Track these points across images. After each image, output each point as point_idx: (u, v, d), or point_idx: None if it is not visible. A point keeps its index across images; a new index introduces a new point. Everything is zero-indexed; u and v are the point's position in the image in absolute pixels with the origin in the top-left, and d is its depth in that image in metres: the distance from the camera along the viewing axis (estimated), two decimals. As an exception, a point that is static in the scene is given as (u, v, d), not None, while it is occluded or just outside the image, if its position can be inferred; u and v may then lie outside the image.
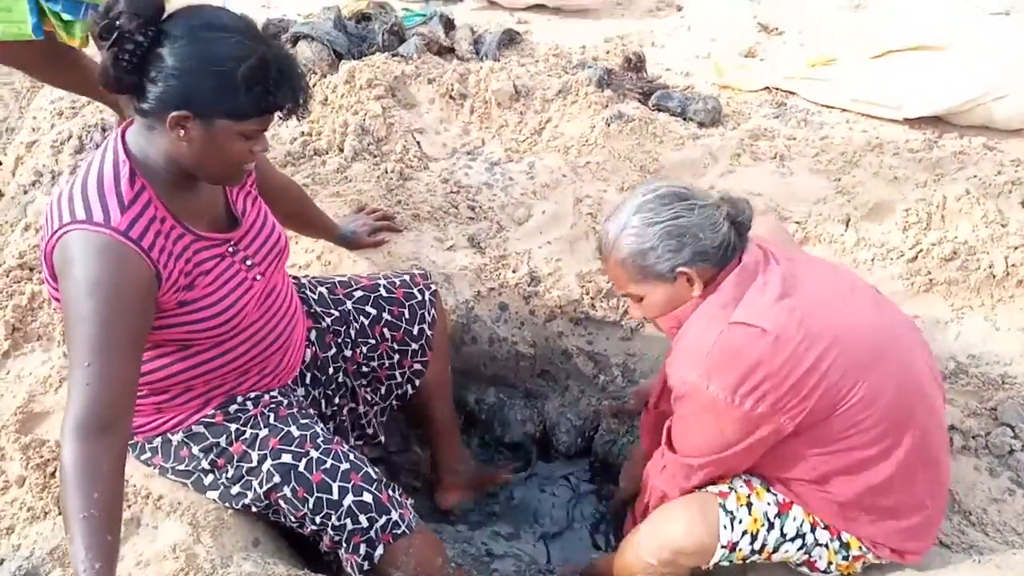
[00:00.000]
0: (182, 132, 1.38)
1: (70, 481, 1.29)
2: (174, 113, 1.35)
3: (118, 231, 1.38)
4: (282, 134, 3.03)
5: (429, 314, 2.03)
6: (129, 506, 1.73)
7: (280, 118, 1.46)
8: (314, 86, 3.23)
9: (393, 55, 3.33)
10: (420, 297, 2.03)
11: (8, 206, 2.91)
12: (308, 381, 1.87)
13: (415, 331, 2.01)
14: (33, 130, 3.21)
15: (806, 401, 1.49)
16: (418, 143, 3.02)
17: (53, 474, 1.81)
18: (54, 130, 3.10)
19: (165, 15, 1.37)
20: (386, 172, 2.84)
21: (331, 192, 2.72)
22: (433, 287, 2.08)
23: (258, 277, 1.64)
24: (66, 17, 2.21)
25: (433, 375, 2.10)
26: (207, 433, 1.69)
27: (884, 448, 1.53)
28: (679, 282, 1.58)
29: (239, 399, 1.70)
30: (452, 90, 3.18)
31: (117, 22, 1.31)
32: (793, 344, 1.47)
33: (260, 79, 1.36)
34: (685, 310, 1.60)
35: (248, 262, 1.63)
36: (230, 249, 1.60)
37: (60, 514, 1.56)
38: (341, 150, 2.92)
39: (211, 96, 1.35)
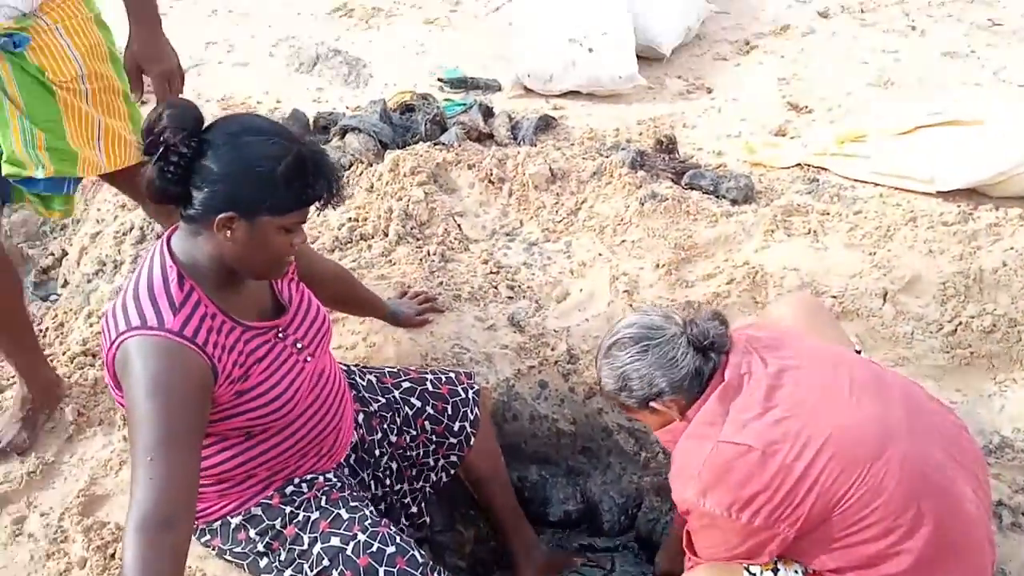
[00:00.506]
0: (228, 232, 1.47)
1: None
2: (221, 216, 1.44)
3: (172, 332, 1.46)
4: (331, 220, 3.17)
5: (472, 412, 2.11)
6: (184, 586, 1.79)
7: (317, 208, 1.56)
8: (360, 175, 3.39)
9: (435, 144, 3.49)
10: (464, 395, 2.11)
11: (73, 294, 3.08)
12: (355, 462, 1.93)
13: (456, 427, 2.08)
14: (97, 222, 3.41)
15: (800, 508, 1.54)
16: (459, 226, 3.13)
17: (113, 555, 1.88)
18: (117, 221, 3.29)
19: (204, 125, 1.49)
20: (428, 254, 2.95)
21: (377, 275, 2.84)
22: (477, 386, 2.16)
23: (308, 359, 1.72)
24: (45, 195, 2.10)
25: (486, 470, 2.18)
26: (264, 516, 1.75)
27: (894, 541, 1.53)
28: (656, 411, 1.70)
29: (295, 480, 1.77)
30: (491, 175, 3.31)
31: (162, 137, 1.41)
32: (781, 456, 1.53)
33: (298, 175, 1.46)
34: (674, 430, 1.70)
35: (298, 345, 1.71)
36: (280, 335, 1.68)
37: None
38: (386, 234, 3.05)
39: (254, 195, 1.45)
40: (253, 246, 1.50)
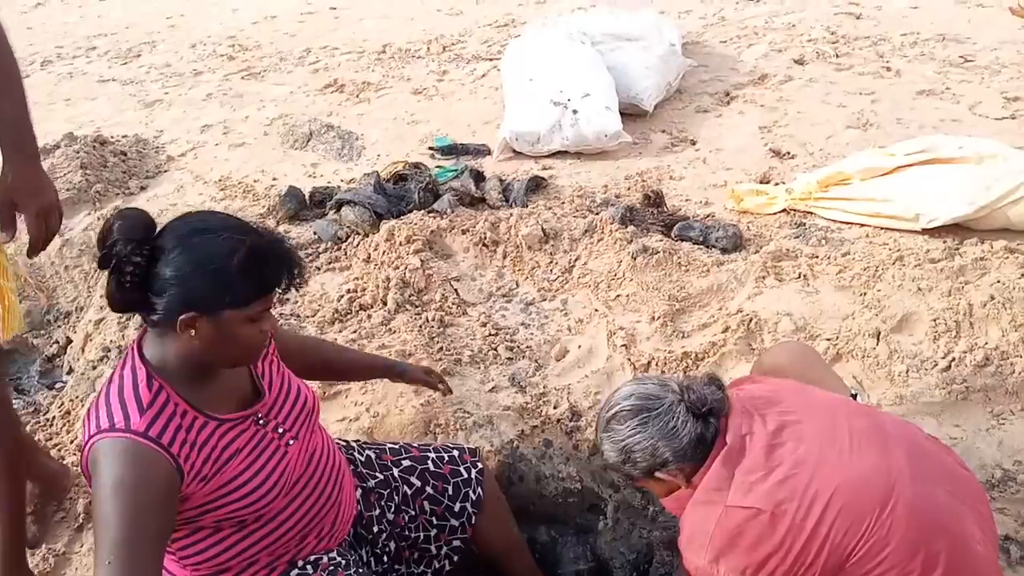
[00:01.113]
0: (192, 332, 1.45)
1: None
2: (182, 317, 1.43)
3: (137, 433, 1.45)
4: (330, 293, 3.23)
5: (474, 492, 2.06)
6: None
7: (280, 293, 1.55)
8: (357, 246, 3.47)
9: (429, 211, 3.57)
10: (466, 475, 2.06)
11: (79, 381, 3.12)
12: (353, 537, 1.90)
13: (456, 508, 2.04)
14: (101, 308, 3.47)
15: (814, 566, 1.54)
16: (456, 291, 3.19)
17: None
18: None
19: (156, 230, 1.48)
20: (427, 321, 3.00)
21: (377, 344, 2.88)
22: (480, 465, 2.10)
23: (291, 442, 1.68)
24: None
25: (500, 542, 2.14)
26: None
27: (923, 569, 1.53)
28: (661, 480, 1.70)
29: (299, 564, 1.76)
30: (485, 238, 3.38)
31: (114, 250, 1.41)
32: (790, 516, 1.54)
33: (254, 265, 1.45)
34: (681, 497, 1.70)
35: (279, 430, 1.67)
36: (260, 421, 1.65)
37: None
38: (385, 303, 3.10)
39: (212, 292, 1.44)
40: (221, 341, 1.49)
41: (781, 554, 1.55)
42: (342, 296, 3.18)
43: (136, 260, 1.42)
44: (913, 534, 1.54)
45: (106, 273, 1.44)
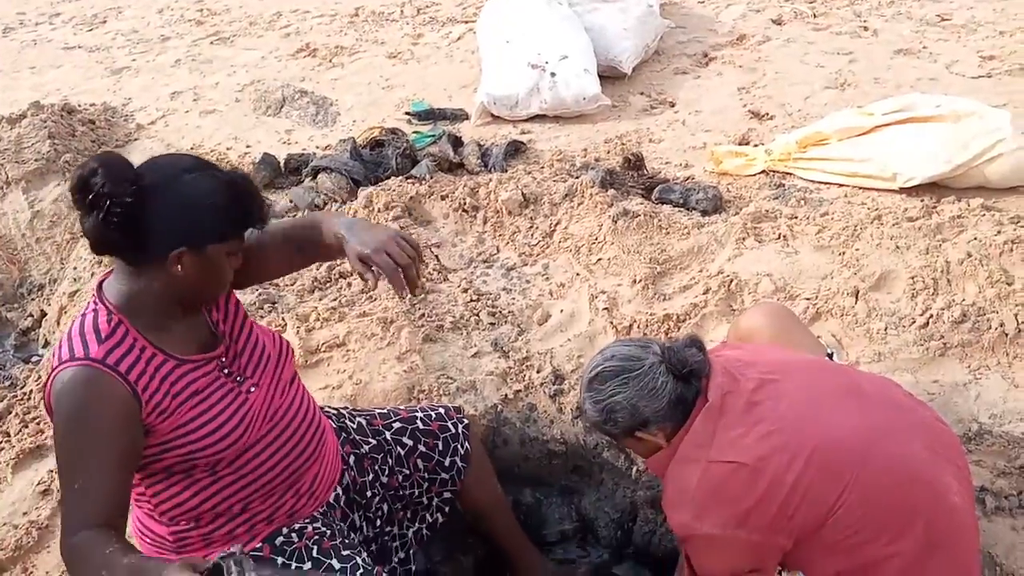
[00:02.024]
0: (179, 267, 1.49)
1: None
2: (173, 252, 1.47)
3: (95, 360, 1.46)
4: (308, 261, 3.20)
5: (462, 447, 2.11)
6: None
7: (256, 228, 1.63)
8: (335, 213, 3.43)
9: (407, 177, 3.53)
10: (454, 430, 2.11)
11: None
12: (345, 504, 1.92)
13: (447, 462, 2.08)
14: (74, 280, 3.42)
15: (795, 519, 1.57)
16: (436, 257, 3.17)
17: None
18: (95, 279, 3.29)
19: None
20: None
21: (358, 313, 2.86)
22: (466, 420, 2.16)
23: (252, 389, 1.67)
24: None
25: (484, 500, 2.18)
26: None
27: (888, 540, 1.56)
28: (641, 440, 1.71)
29: (284, 531, 1.76)
30: (464, 204, 3.35)
31: (102, 190, 1.42)
32: (771, 471, 1.56)
33: (236, 201, 1.54)
34: (662, 457, 1.71)
35: (238, 378, 1.67)
36: (220, 367, 1.65)
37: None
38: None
39: (205, 228, 1.50)
40: (204, 275, 1.54)
41: (763, 507, 1.57)
42: (321, 264, 3.15)
43: (126, 200, 1.43)
44: (894, 490, 1.57)
45: (89, 218, 1.45)
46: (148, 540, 1.71)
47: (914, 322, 2.48)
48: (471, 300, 2.93)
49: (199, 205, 1.49)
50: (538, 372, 2.66)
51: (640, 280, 2.87)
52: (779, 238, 2.96)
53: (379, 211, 3.28)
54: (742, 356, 1.79)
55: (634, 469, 2.54)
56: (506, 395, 2.63)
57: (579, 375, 2.63)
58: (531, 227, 3.26)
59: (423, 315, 2.83)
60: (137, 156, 4.19)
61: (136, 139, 4.47)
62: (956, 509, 1.62)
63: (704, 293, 2.76)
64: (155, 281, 1.52)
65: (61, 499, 1.45)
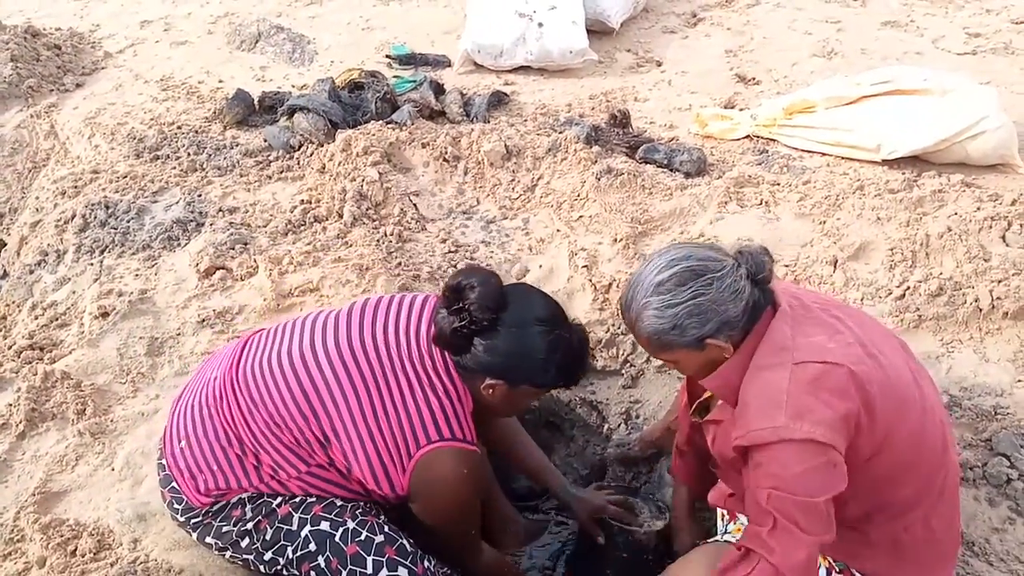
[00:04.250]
0: (491, 392, 1.69)
1: None
2: (490, 381, 1.66)
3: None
4: (282, 203, 3.11)
5: None
6: (151, 581, 1.76)
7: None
8: (311, 155, 3.33)
9: (387, 122, 3.44)
10: None
11: (15, 286, 2.97)
12: None
13: None
14: (36, 210, 3.29)
15: (877, 423, 1.47)
16: (415, 206, 3.11)
17: (74, 553, 1.83)
18: (57, 210, 3.18)
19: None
20: (385, 235, 2.92)
21: (333, 258, 2.80)
22: None
23: None
24: None
25: None
26: (265, 495, 1.74)
27: (913, 490, 1.55)
28: (709, 350, 1.54)
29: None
30: (446, 153, 3.28)
31: (468, 305, 1.61)
32: (863, 376, 1.46)
33: (569, 365, 1.71)
34: (730, 369, 1.54)
35: None
36: None
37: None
38: (340, 216, 3.00)
39: (527, 375, 1.68)
40: (506, 403, 1.73)
41: (865, 411, 1.44)
42: (295, 207, 3.07)
43: (483, 323, 1.62)
44: (933, 441, 1.54)
45: (447, 315, 1.63)
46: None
47: (891, 293, 2.50)
48: (449, 251, 2.88)
49: (534, 357, 1.66)
50: (514, 327, 2.64)
51: (621, 239, 2.84)
52: (761, 204, 2.95)
53: (357, 155, 3.19)
54: (783, 285, 1.68)
55: (605, 426, 2.54)
56: (481, 348, 2.61)
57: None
58: (513, 180, 3.20)
59: (400, 264, 2.77)
60: (104, 84, 4.07)
61: (104, 68, 4.29)
62: (957, 465, 1.64)
63: (684, 255, 2.74)
64: (470, 387, 1.72)
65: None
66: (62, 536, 1.87)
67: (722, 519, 1.84)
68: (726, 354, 1.54)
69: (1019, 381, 2.22)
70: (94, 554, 1.83)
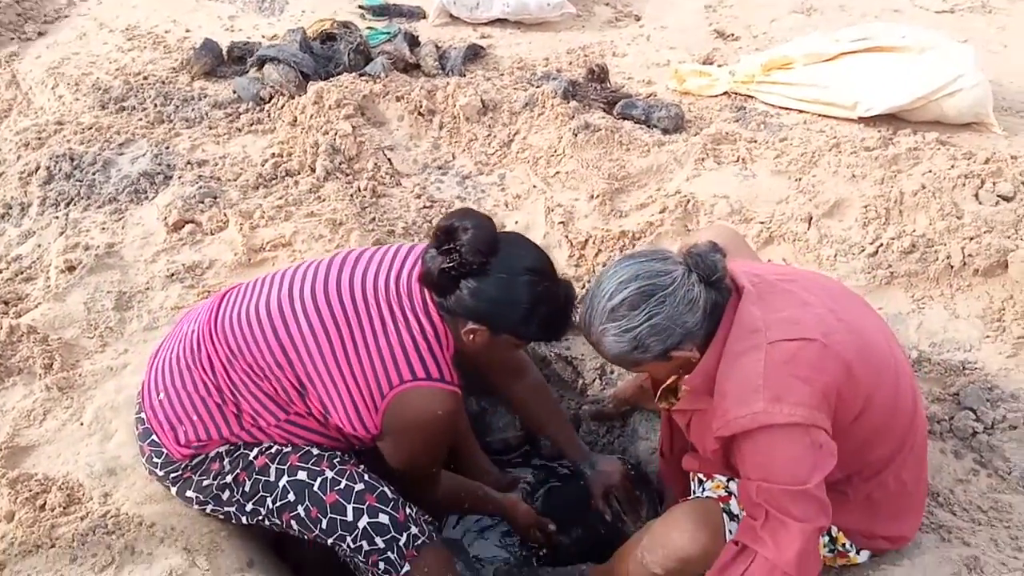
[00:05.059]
0: (472, 336, 1.65)
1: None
2: (472, 325, 1.63)
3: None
4: (253, 157, 3.05)
5: None
6: (123, 534, 1.75)
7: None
8: (282, 108, 3.26)
9: (360, 75, 3.37)
10: None
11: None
12: None
13: None
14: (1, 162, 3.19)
15: (858, 391, 1.46)
16: (389, 160, 3.06)
17: (43, 507, 1.81)
18: (20, 161, 3.09)
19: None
20: (359, 190, 2.87)
21: (306, 212, 2.75)
22: None
23: None
24: None
25: None
26: (242, 446, 1.74)
27: (888, 449, 1.57)
28: (673, 360, 1.53)
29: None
30: (420, 107, 3.22)
31: (461, 247, 1.57)
32: (837, 347, 1.45)
33: (551, 320, 1.68)
34: (706, 363, 1.51)
35: None
36: None
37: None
38: (313, 170, 2.95)
39: (510, 323, 1.65)
40: (486, 351, 1.70)
41: (844, 382, 1.43)
42: (266, 160, 3.01)
43: (472, 266, 1.59)
44: (906, 400, 1.56)
45: (436, 255, 1.60)
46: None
47: (863, 250, 2.51)
48: (424, 207, 2.85)
49: (519, 306, 1.62)
50: (490, 283, 2.62)
51: (598, 195, 2.82)
52: (738, 161, 2.94)
53: (330, 108, 3.13)
54: (741, 262, 1.68)
55: (580, 382, 2.55)
56: (456, 304, 2.59)
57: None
58: (489, 135, 3.16)
59: (374, 219, 2.74)
60: (68, 33, 3.93)
61: (67, 16, 4.14)
62: (924, 419, 1.67)
63: (661, 212, 2.73)
64: (451, 331, 1.69)
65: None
66: (31, 491, 1.85)
67: (699, 483, 1.85)
68: (694, 359, 1.52)
69: (987, 337, 2.26)
70: (64, 508, 1.81)
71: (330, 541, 1.71)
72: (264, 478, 1.72)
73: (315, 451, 1.75)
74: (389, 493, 1.75)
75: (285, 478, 1.71)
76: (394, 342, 1.65)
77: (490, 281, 1.60)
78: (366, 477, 1.75)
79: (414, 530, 1.73)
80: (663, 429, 1.95)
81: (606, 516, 2.13)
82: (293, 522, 1.71)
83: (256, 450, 1.74)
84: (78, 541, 1.72)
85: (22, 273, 2.59)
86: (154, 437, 1.76)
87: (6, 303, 2.46)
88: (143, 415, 1.80)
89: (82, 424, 2.05)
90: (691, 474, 1.85)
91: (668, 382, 1.62)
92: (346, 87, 3.22)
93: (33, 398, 2.12)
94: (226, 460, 1.73)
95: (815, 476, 1.40)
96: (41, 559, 1.70)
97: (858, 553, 1.68)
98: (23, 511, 1.80)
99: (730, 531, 1.64)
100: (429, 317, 1.68)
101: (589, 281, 2.63)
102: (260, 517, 1.74)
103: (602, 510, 2.13)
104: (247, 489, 1.72)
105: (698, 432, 1.63)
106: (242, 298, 1.77)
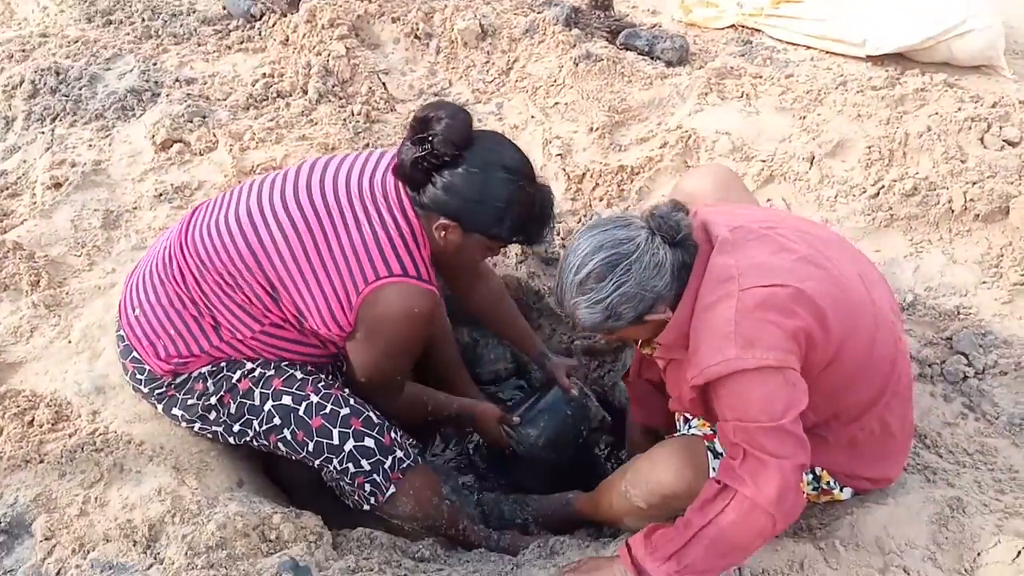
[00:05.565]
0: (443, 233, 1.61)
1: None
2: (443, 220, 1.59)
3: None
4: (243, 76, 2.96)
5: None
6: (111, 452, 1.74)
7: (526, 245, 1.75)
8: (273, 26, 3.15)
9: (355, -8, 3.25)
10: None
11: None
12: None
13: None
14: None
15: (831, 336, 1.46)
16: (384, 85, 2.98)
17: (32, 423, 1.81)
18: (4, 74, 2.99)
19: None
20: (353, 115, 2.80)
21: (297, 136, 2.69)
22: None
23: None
24: None
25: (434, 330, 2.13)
26: (224, 367, 1.73)
27: (868, 395, 1.57)
28: (647, 323, 1.52)
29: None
30: (417, 29, 3.13)
31: (434, 139, 1.53)
32: (810, 292, 1.44)
33: (527, 220, 1.63)
34: (678, 320, 1.51)
35: None
36: None
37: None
38: (305, 92, 2.87)
39: (482, 221, 1.60)
40: (459, 251, 1.65)
41: (819, 326, 1.42)
42: (257, 80, 2.93)
43: (444, 159, 1.54)
44: (883, 349, 1.54)
45: (410, 146, 1.56)
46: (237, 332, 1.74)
47: (864, 191, 2.48)
48: (419, 133, 2.78)
49: (491, 203, 1.57)
50: (484, 213, 2.59)
51: (597, 128, 2.76)
52: (742, 96, 2.87)
53: (323, 27, 3.03)
54: (722, 209, 1.65)
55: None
56: (450, 234, 2.56)
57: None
58: (487, 62, 3.07)
59: (367, 144, 2.68)
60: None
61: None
62: (909, 364, 1.66)
63: (661, 147, 2.68)
64: (424, 226, 1.64)
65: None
66: (18, 406, 1.84)
67: (684, 421, 1.85)
68: (668, 319, 1.52)
69: (984, 283, 2.24)
70: (52, 425, 1.80)
71: (317, 463, 1.72)
72: (249, 402, 1.71)
73: (299, 375, 1.74)
74: (375, 418, 1.75)
75: (270, 402, 1.70)
76: (368, 239, 1.61)
77: (462, 175, 1.56)
78: (352, 401, 1.74)
79: (399, 454, 1.74)
80: (635, 357, 1.96)
81: (572, 391, 2.16)
82: (280, 444, 1.72)
83: (239, 373, 1.72)
84: (66, 457, 1.72)
85: (7, 189, 2.53)
86: (135, 354, 1.75)
87: (-10, 219, 2.42)
88: (122, 332, 1.79)
89: (69, 342, 2.03)
90: (676, 413, 1.86)
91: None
92: (340, 5, 3.11)
93: (20, 315, 2.09)
94: (209, 381, 1.73)
95: (790, 412, 1.41)
96: (30, 474, 1.70)
97: (842, 490, 1.69)
98: (11, 426, 1.79)
99: (714, 468, 1.65)
100: (405, 215, 1.63)
101: (585, 216, 2.59)
102: (248, 438, 1.74)
103: (568, 387, 2.16)
104: (232, 411, 1.72)
105: (674, 381, 1.64)
106: (212, 210, 1.73)
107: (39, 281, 2.17)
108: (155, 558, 1.54)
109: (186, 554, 1.53)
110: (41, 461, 1.72)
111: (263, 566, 1.55)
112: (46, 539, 1.57)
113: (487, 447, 2.33)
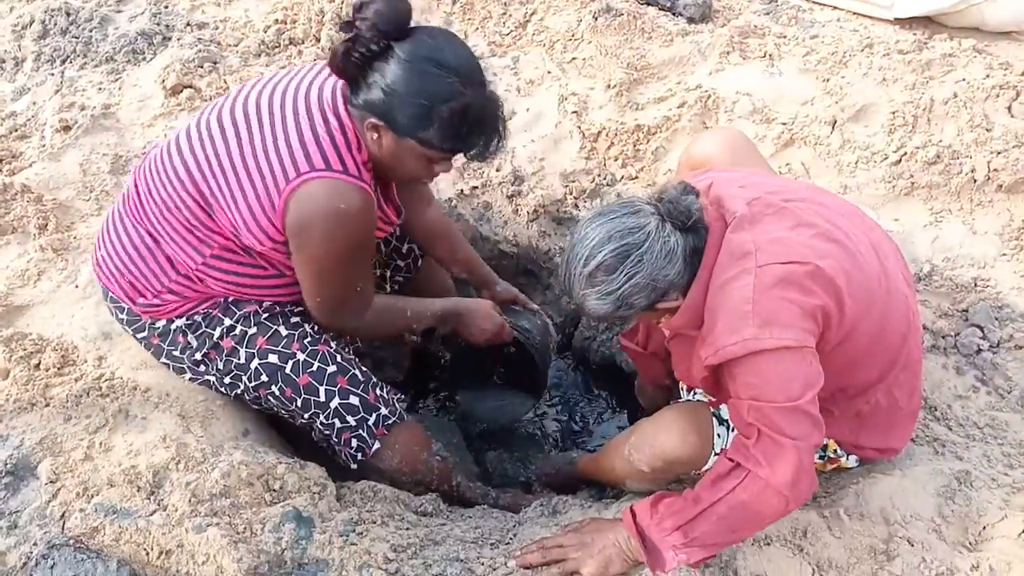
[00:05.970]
0: (375, 136, 1.49)
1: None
2: (372, 120, 1.47)
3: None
4: (255, 22, 2.91)
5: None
6: (117, 398, 1.75)
7: (466, 159, 1.54)
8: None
9: (371, -61, 3.17)
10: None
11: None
12: None
13: (404, 248, 2.11)
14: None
15: (845, 315, 1.43)
16: (399, 35, 2.91)
17: (39, 365, 1.81)
18: (13, 13, 2.95)
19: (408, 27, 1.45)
20: (366, 64, 2.75)
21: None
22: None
23: None
24: None
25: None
26: (202, 323, 1.71)
27: (878, 371, 1.54)
28: (659, 310, 1.49)
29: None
30: (433, -22, 3.05)
31: (361, 24, 1.40)
32: (829, 270, 1.41)
33: (457, 123, 1.46)
34: (692, 303, 1.47)
35: None
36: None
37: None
38: (318, 40, 2.82)
39: (409, 122, 1.46)
40: (394, 157, 1.52)
41: (835, 305, 1.39)
42: (269, 27, 2.87)
43: (372, 48, 1.41)
44: (896, 327, 1.52)
45: (343, 39, 1.44)
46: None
47: (887, 158, 2.42)
48: (433, 86, 2.73)
49: (417, 101, 1.43)
50: (497, 171, 2.55)
51: (615, 85, 2.70)
52: (765, 56, 2.80)
53: (338, -26, 2.96)
54: (736, 177, 1.60)
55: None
56: (461, 190, 2.53)
57: (539, 177, 2.53)
58: (504, 14, 3.00)
59: (380, 95, 2.63)
60: None
61: None
62: (920, 337, 1.63)
63: (680, 107, 2.62)
64: (359, 129, 1.54)
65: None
66: (25, 350, 1.84)
67: (688, 389, 1.84)
68: (679, 304, 1.48)
69: (1003, 255, 2.20)
70: (58, 369, 1.80)
71: (306, 416, 1.73)
72: (235, 359, 1.71)
73: (283, 331, 1.72)
74: (360, 375, 1.75)
75: (256, 361, 1.70)
76: (293, 136, 1.50)
77: (389, 68, 1.42)
78: (338, 359, 1.74)
79: (384, 411, 1.75)
80: (641, 327, 1.93)
81: (532, 306, 2.21)
82: (270, 398, 1.73)
83: (219, 330, 1.70)
84: (72, 402, 1.72)
85: (16, 130, 2.51)
86: (111, 294, 1.75)
87: (0, 160, 2.40)
88: (95, 273, 1.79)
89: (76, 287, 2.02)
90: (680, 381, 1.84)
91: None
92: (356, -48, 3.04)
93: (27, 258, 2.08)
94: (190, 336, 1.72)
95: (807, 393, 1.38)
96: (35, 416, 1.71)
97: (848, 458, 1.68)
98: (17, 369, 1.79)
99: (718, 435, 1.65)
100: (338, 115, 1.52)
101: (599, 176, 2.55)
102: (239, 391, 1.74)
103: (527, 302, 2.20)
104: (220, 367, 1.72)
105: (682, 355, 1.60)
106: (167, 140, 1.69)
107: (47, 224, 2.16)
108: (158, 504, 1.54)
109: (189, 501, 1.54)
110: (47, 405, 1.72)
111: (266, 515, 1.56)
112: (51, 482, 1.57)
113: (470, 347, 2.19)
